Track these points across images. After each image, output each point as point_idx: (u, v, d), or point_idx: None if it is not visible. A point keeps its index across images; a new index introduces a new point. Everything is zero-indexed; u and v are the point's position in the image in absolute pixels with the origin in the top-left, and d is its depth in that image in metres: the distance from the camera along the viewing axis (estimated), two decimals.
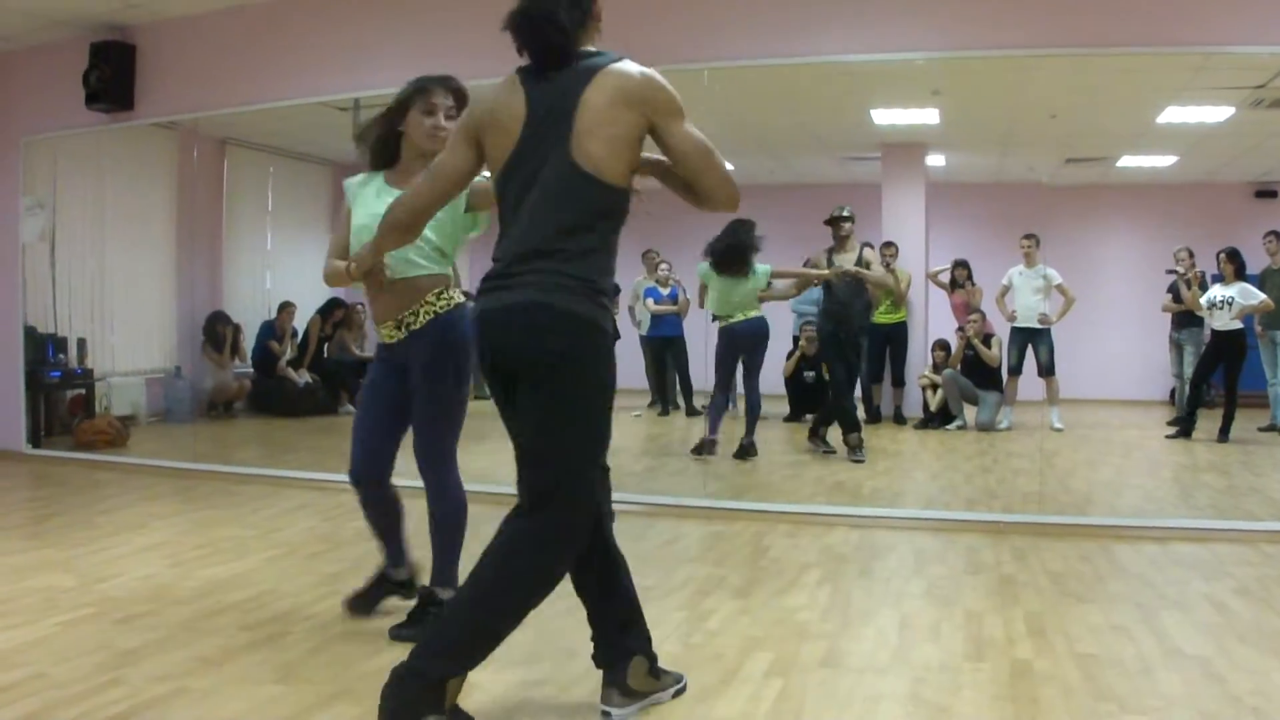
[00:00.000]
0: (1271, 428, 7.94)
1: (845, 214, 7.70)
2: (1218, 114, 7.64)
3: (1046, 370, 8.10)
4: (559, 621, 3.50)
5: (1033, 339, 8.14)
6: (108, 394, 8.98)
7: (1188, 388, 8.21)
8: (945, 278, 9.02)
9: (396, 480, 3.85)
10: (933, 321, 9.12)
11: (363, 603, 3.99)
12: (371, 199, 3.65)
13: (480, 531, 3.15)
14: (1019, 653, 3.61)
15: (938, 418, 8.87)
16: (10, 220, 8.56)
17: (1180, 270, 8.11)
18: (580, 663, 3.20)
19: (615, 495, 3.12)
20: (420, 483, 3.69)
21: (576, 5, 2.72)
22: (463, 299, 3.67)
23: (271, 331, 9.85)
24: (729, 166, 2.79)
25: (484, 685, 3.18)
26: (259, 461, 8.01)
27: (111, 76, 7.84)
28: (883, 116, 8.34)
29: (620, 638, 3.03)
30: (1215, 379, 8.12)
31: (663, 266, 9.21)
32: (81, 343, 8.95)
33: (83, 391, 8.89)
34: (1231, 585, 4.55)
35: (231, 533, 5.60)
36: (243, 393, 9.78)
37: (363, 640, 3.70)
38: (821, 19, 6.18)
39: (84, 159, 8.82)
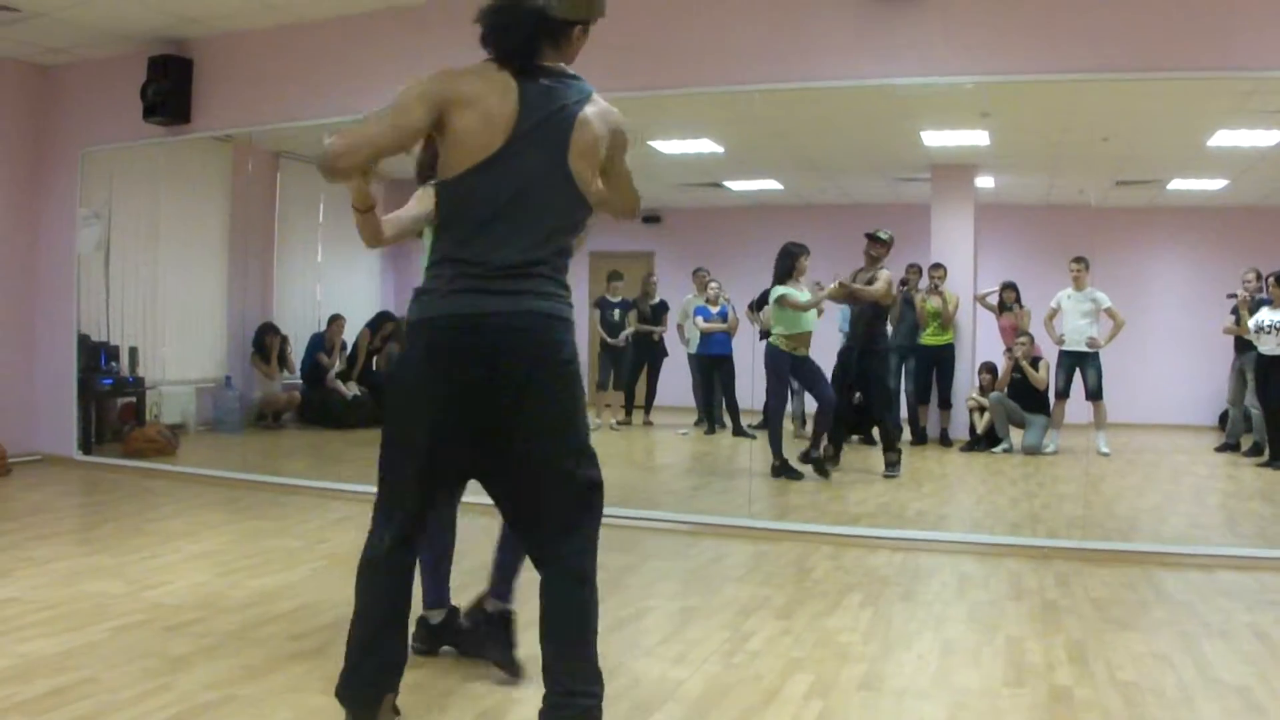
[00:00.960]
0: None
1: (880, 235, 7.67)
2: (1269, 138, 7.56)
3: (1094, 394, 7.99)
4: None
5: (1081, 362, 8.04)
6: (158, 402, 9.12)
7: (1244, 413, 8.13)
8: (994, 300, 8.95)
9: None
10: (980, 344, 9.07)
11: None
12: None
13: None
14: (1059, 679, 3.59)
15: (984, 440, 8.80)
16: (67, 230, 8.72)
17: (1240, 293, 7.99)
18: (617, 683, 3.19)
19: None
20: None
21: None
22: None
23: (321, 344, 9.98)
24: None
25: (528, 700, 3.22)
26: (307, 473, 8.09)
27: (169, 90, 7.95)
28: (933, 138, 8.31)
29: None
30: None
31: (713, 285, 9.23)
32: (133, 351, 9.10)
33: (133, 400, 9.03)
34: (1276, 615, 4.49)
35: (279, 543, 5.68)
36: (292, 404, 9.91)
37: None
38: (873, 44, 6.19)
39: (139, 171, 8.97)
